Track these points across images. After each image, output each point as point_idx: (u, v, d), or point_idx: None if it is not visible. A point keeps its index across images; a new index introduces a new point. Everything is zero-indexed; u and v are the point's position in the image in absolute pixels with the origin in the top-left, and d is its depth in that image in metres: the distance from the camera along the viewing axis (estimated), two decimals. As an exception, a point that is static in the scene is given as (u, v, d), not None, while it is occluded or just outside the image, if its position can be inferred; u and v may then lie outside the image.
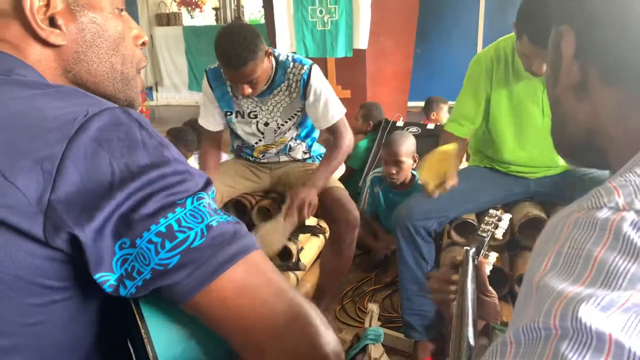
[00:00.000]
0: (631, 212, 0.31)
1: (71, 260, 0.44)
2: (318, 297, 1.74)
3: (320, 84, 1.66)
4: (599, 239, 0.31)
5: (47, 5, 0.52)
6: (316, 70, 1.66)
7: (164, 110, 5.94)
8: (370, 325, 1.48)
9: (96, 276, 0.43)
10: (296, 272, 1.82)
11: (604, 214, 0.32)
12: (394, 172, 2.06)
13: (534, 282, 0.32)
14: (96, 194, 0.43)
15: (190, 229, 0.45)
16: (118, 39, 0.58)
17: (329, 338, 0.49)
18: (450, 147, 1.49)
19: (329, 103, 1.66)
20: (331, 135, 1.72)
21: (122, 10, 0.59)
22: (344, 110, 1.71)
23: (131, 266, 0.44)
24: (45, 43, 0.53)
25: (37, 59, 0.53)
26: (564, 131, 0.48)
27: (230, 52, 1.49)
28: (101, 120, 0.45)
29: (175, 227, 0.44)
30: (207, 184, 0.48)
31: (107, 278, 0.44)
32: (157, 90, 6.39)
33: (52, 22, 0.53)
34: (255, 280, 0.47)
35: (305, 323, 0.48)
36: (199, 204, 0.46)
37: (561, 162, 1.57)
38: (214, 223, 0.46)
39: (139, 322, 0.48)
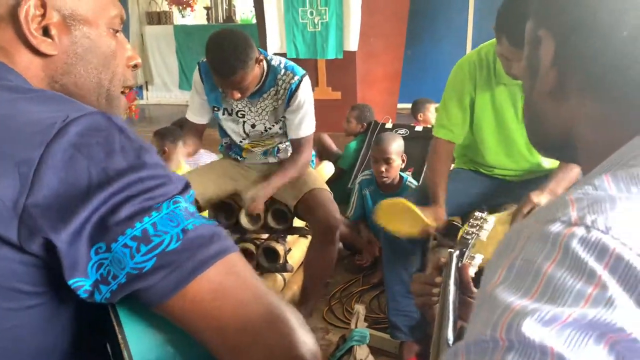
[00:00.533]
0: (581, 228, 0.31)
1: (46, 265, 0.44)
2: (303, 298, 1.75)
3: (305, 98, 1.67)
4: (549, 254, 0.31)
5: (43, 15, 0.53)
6: (306, 83, 1.67)
7: (155, 110, 5.91)
8: (356, 327, 1.49)
9: (70, 282, 0.43)
10: (283, 273, 1.83)
11: (556, 228, 0.32)
12: (384, 170, 2.09)
13: (487, 292, 0.32)
14: (73, 199, 0.43)
15: (166, 232, 0.45)
16: (109, 56, 0.59)
17: (306, 339, 0.49)
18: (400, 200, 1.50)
19: (305, 118, 1.69)
20: (292, 148, 1.76)
21: (117, 31, 0.60)
22: (314, 130, 1.75)
23: (107, 271, 0.44)
24: (35, 51, 0.54)
25: (26, 66, 0.54)
26: (539, 129, 0.49)
27: (220, 61, 1.50)
28: (80, 125, 0.45)
29: (151, 230, 0.44)
30: (185, 188, 0.49)
31: (81, 283, 0.44)
32: (147, 90, 6.35)
33: (46, 32, 0.54)
34: (231, 282, 0.47)
35: (281, 325, 0.48)
36: (175, 208, 0.46)
37: (544, 165, 1.59)
38: (190, 226, 0.46)
39: (116, 326, 0.48)
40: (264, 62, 1.64)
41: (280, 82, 1.66)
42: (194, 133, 1.82)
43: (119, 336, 0.47)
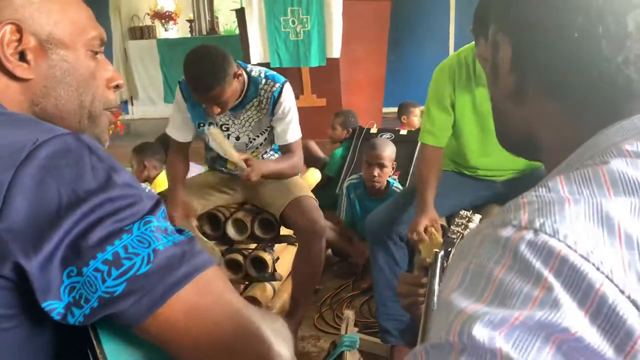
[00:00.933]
0: (530, 232, 0.31)
1: (19, 288, 0.44)
2: (293, 306, 1.75)
3: (289, 103, 1.69)
4: (500, 258, 0.32)
5: (19, 40, 0.54)
6: (287, 89, 1.68)
7: (140, 124, 5.88)
8: (346, 332, 1.49)
9: (44, 304, 0.44)
10: (273, 282, 1.82)
11: (507, 232, 0.32)
12: (377, 174, 2.11)
13: (444, 297, 0.33)
14: (43, 223, 0.43)
15: (137, 255, 0.45)
16: (88, 78, 0.59)
17: (282, 352, 0.50)
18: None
19: (291, 124, 1.70)
20: (282, 154, 1.77)
21: (97, 52, 0.61)
22: (300, 135, 1.76)
23: (79, 294, 0.44)
24: (11, 75, 0.54)
25: (2, 91, 0.54)
26: (504, 130, 0.51)
27: (198, 78, 1.52)
28: (50, 147, 0.45)
29: (122, 253, 0.45)
30: (156, 205, 0.49)
31: (55, 306, 0.44)
32: (132, 104, 6.33)
33: (23, 57, 0.54)
34: (204, 301, 0.48)
35: (255, 340, 0.49)
36: (146, 229, 0.46)
37: (527, 164, 1.61)
38: (160, 247, 0.46)
39: (95, 344, 0.48)
40: (244, 74, 1.65)
41: (262, 92, 1.68)
42: (180, 153, 1.81)
43: (99, 354, 0.48)
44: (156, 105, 6.13)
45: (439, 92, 1.55)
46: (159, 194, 1.92)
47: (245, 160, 1.60)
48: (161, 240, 0.47)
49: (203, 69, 1.50)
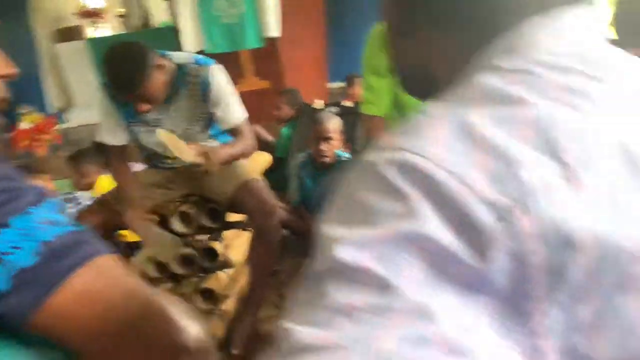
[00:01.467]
0: (392, 151, 0.32)
1: None
2: (251, 291, 1.72)
3: (222, 84, 1.62)
4: (364, 181, 0.32)
5: None
6: (216, 70, 1.61)
7: (79, 131, 5.57)
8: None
9: None
10: (226, 270, 1.78)
11: (371, 156, 0.33)
12: (326, 149, 2.09)
13: (316, 231, 0.33)
14: None
15: (19, 248, 0.42)
16: None
17: (189, 326, 0.49)
18: None
19: (230, 104, 1.64)
20: (232, 137, 1.71)
21: None
22: (246, 114, 1.70)
23: None
24: None
25: None
26: (402, 70, 0.50)
27: (119, 78, 1.46)
28: None
29: (3, 249, 0.41)
30: (41, 197, 0.45)
31: None
32: (68, 112, 6.02)
33: None
34: (99, 285, 0.45)
35: (159, 316, 0.47)
36: (29, 222, 0.43)
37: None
38: (48, 238, 0.43)
39: None
40: (169, 64, 1.57)
41: (190, 79, 1.61)
42: (121, 158, 1.74)
43: None
44: (93, 110, 5.83)
45: (374, 60, 1.53)
46: (103, 195, 1.83)
47: (204, 155, 1.53)
48: (48, 231, 0.43)
49: (122, 67, 1.44)
